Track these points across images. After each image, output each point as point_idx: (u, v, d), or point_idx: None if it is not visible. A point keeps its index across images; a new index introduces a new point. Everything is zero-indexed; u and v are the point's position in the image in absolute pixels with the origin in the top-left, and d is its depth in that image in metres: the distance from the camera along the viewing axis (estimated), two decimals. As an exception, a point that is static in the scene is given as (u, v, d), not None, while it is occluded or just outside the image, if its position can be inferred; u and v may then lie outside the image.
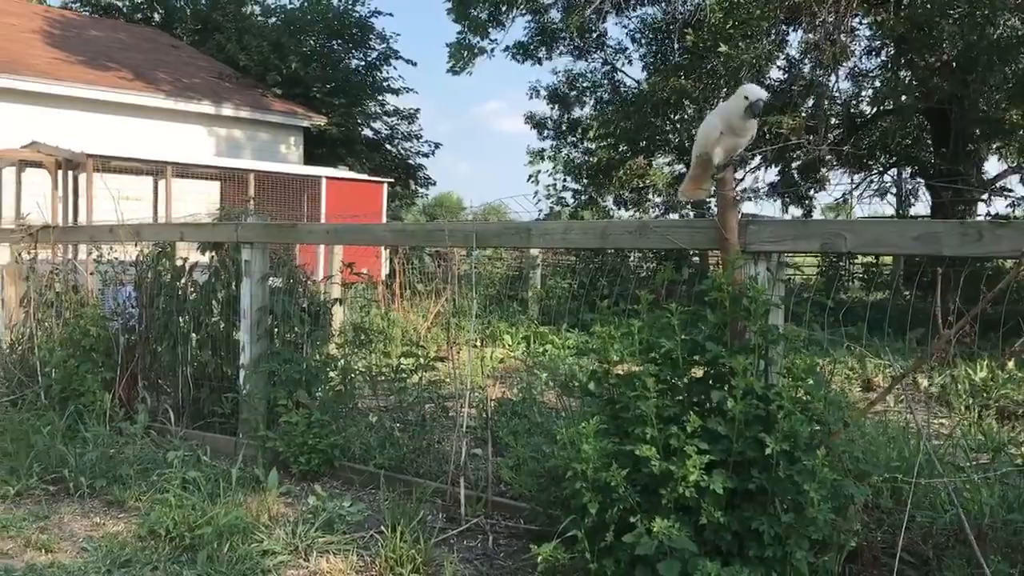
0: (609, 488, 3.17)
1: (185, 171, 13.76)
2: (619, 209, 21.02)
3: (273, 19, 22.12)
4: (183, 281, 6.04)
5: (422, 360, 4.99)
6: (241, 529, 3.93)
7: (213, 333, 5.86)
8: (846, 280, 14.33)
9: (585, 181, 20.53)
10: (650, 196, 20.26)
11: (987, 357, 6.55)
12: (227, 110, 17.64)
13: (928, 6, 13.28)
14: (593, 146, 20.08)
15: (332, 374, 5.43)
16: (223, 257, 5.76)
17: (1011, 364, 6.37)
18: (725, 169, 3.46)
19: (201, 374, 5.88)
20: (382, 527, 3.86)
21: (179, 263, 6.13)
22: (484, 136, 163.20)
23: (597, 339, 3.46)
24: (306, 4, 22.27)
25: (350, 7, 22.29)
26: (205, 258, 5.98)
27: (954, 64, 13.60)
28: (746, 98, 3.35)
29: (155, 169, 13.57)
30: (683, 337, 3.34)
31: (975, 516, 3.21)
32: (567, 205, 20.64)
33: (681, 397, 3.36)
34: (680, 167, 18.74)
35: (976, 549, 2.83)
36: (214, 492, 4.38)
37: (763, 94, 3.40)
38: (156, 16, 24.09)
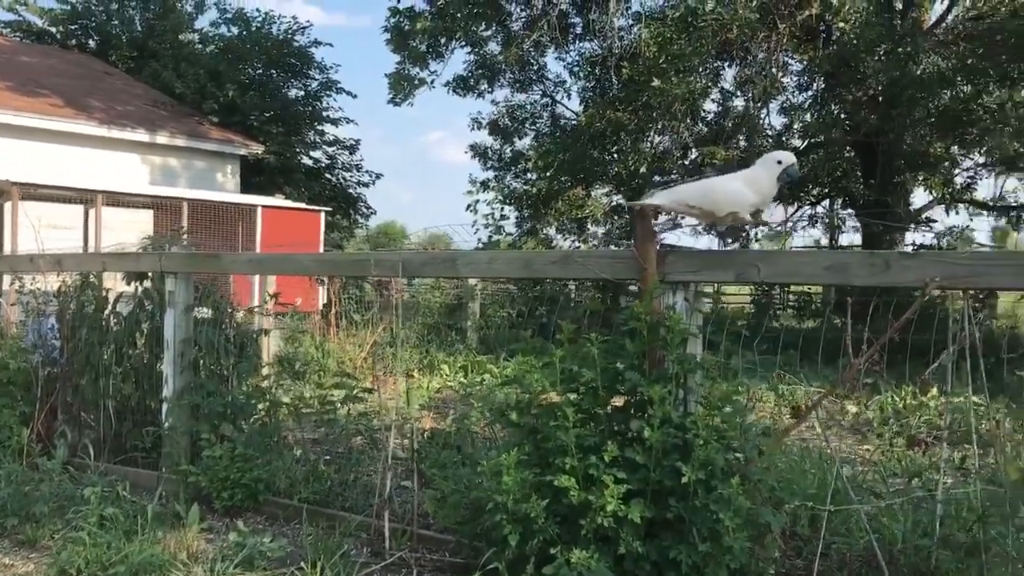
0: (529, 519, 3.16)
1: (117, 200, 13.51)
2: (562, 238, 21.20)
3: (211, 47, 21.94)
4: (107, 312, 5.91)
5: (349, 392, 4.93)
6: (157, 567, 3.82)
7: (136, 365, 5.73)
8: (778, 309, 14.57)
9: (526, 211, 20.66)
10: (589, 226, 20.48)
11: (894, 386, 6.71)
12: (162, 138, 17.39)
13: (855, 43, 13.72)
14: (533, 176, 20.25)
15: (259, 407, 5.34)
16: (147, 288, 5.66)
17: (932, 391, 6.53)
18: (642, 203, 3.50)
19: (124, 407, 5.73)
20: (303, 563, 3.79)
21: (103, 294, 6.00)
22: (429, 165, 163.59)
23: (518, 369, 3.46)
24: (245, 33, 22.13)
25: (290, 37, 22.22)
26: (130, 289, 5.86)
27: (880, 99, 14.05)
28: (779, 163, 3.31)
29: (85, 198, 13.30)
30: (604, 366, 3.36)
31: (889, 542, 3.26)
32: (510, 234, 20.74)
33: (602, 426, 3.37)
34: (618, 197, 18.94)
35: (886, 573, 2.88)
36: (132, 529, 4.25)
37: (794, 158, 3.38)
38: (91, 43, 23.71)
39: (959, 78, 13.98)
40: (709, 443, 3.02)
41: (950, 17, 15.67)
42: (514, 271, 4.08)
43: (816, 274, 3.17)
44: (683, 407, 3.33)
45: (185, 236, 12.33)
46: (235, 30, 22.45)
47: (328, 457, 5.29)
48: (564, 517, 3.20)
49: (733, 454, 3.16)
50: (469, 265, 4.12)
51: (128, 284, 5.86)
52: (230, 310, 5.55)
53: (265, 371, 6.03)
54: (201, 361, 5.44)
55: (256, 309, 5.63)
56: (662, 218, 3.69)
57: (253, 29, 22.16)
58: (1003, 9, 14.29)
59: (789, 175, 3.29)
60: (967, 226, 16.83)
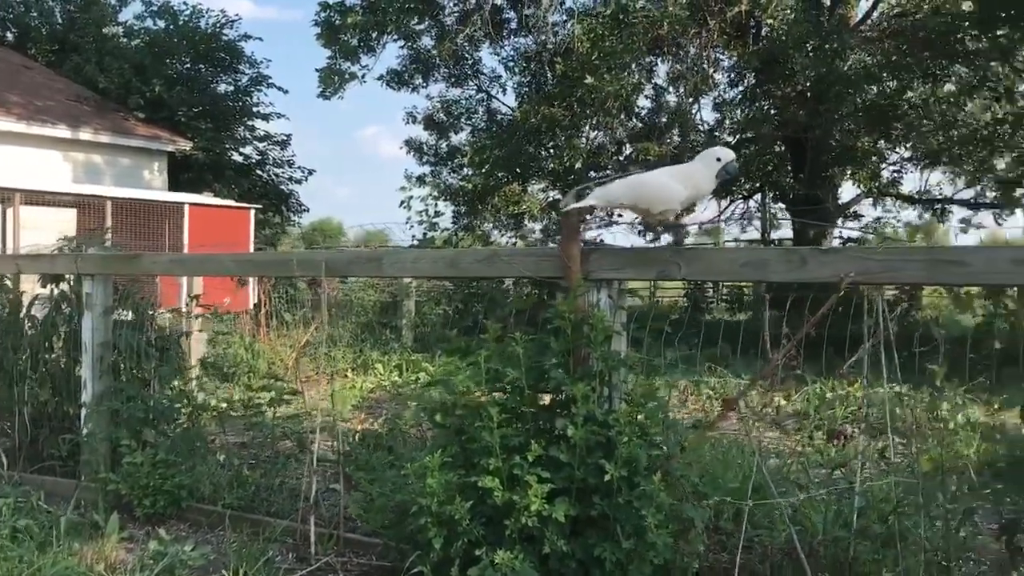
0: (454, 521, 3.13)
1: (37, 198, 13.09)
2: (499, 234, 21.18)
3: (136, 41, 21.35)
4: (21, 315, 5.71)
5: (275, 394, 4.83)
6: (72, 580, 3.70)
7: (54, 370, 5.54)
8: (711, 302, 14.77)
9: (463, 207, 20.60)
10: (526, 222, 20.52)
11: (823, 378, 6.84)
12: (85, 134, 16.88)
13: (783, 40, 13.94)
14: (469, 172, 20.20)
15: (183, 411, 5.22)
16: (64, 290, 5.48)
17: (856, 385, 6.65)
18: (579, 206, 3.48)
19: (41, 414, 5.55)
20: (224, 571, 3.70)
21: (18, 296, 5.79)
22: (366, 160, 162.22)
23: (443, 370, 3.43)
24: (172, 27, 21.61)
25: (218, 31, 21.77)
26: (47, 291, 5.67)
27: (808, 95, 14.30)
28: (718, 159, 3.29)
29: (2, 196, 12.85)
30: (530, 365, 3.34)
31: (811, 534, 3.31)
32: (446, 230, 20.66)
33: (528, 426, 3.35)
34: (555, 193, 19.00)
35: (806, 566, 2.91)
36: (47, 541, 4.11)
37: (734, 155, 3.36)
38: (8, 35, 22.93)
39: (884, 74, 14.32)
40: (632, 440, 3.02)
41: (875, 14, 16.03)
42: (440, 270, 4.04)
43: (735, 271, 3.19)
44: (608, 404, 3.33)
45: (109, 236, 12.03)
46: (161, 24, 21.91)
47: (255, 461, 5.19)
48: (489, 518, 3.17)
49: (656, 450, 3.16)
50: (395, 265, 4.06)
51: (44, 287, 5.67)
52: (151, 312, 5.40)
53: (193, 374, 5.90)
54: (121, 365, 5.29)
55: (178, 310, 5.48)
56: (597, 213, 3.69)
57: (180, 23, 21.65)
58: (925, 7, 14.67)
59: (728, 172, 3.30)
60: (879, 220, 17.24)
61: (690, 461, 3.20)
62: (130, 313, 5.40)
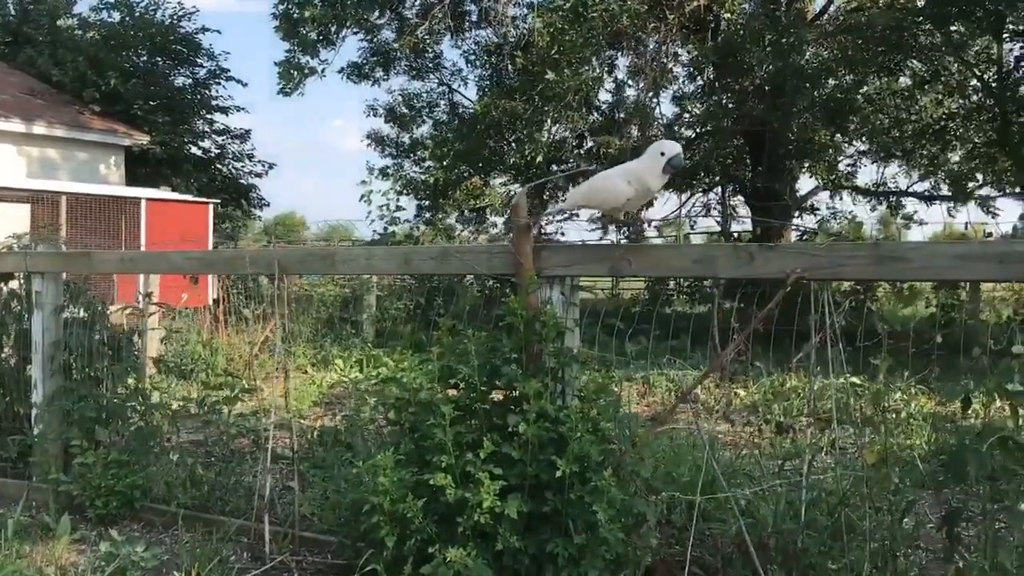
0: (407, 519, 3.13)
1: (-12, 194, 12.84)
2: (462, 228, 21.15)
3: (92, 33, 20.96)
4: (-31, 315, 5.61)
5: (228, 392, 4.79)
6: (21, 583, 3.65)
7: (3, 370, 5.46)
8: (672, 295, 14.86)
9: (425, 200, 20.54)
10: (488, 216, 20.54)
11: (780, 371, 6.93)
12: (39, 128, 16.58)
13: (740, 34, 14.06)
14: (431, 164, 20.14)
15: (137, 409, 5.15)
16: (13, 288, 5.40)
17: (798, 379, 6.72)
18: (519, 197, 3.49)
19: (-9, 414, 5.46)
20: (176, 572, 3.67)
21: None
22: (329, 153, 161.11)
23: (396, 366, 3.42)
24: (128, 19, 21.26)
25: (176, 23, 21.45)
26: (-4, 289, 5.57)
27: (765, 88, 14.44)
28: (662, 154, 3.26)
29: (-47, 192, 12.60)
30: (482, 362, 3.35)
31: (761, 526, 3.35)
32: (407, 222, 20.58)
33: (481, 423, 3.35)
34: (516, 187, 19.00)
35: (755, 558, 2.95)
36: (-5, 544, 4.05)
37: (679, 148, 3.30)
38: (-40, 28, 22.47)
39: (840, 68, 14.49)
40: (584, 436, 3.04)
41: (832, 8, 16.22)
42: (393, 267, 4.03)
43: (685, 267, 3.23)
44: (561, 400, 3.35)
45: (63, 233, 11.84)
46: (117, 16, 21.54)
47: (211, 460, 5.15)
48: (442, 515, 3.18)
49: (608, 445, 3.18)
50: (348, 262, 4.06)
51: (-8, 285, 5.58)
52: (102, 310, 5.32)
53: (148, 372, 5.84)
54: (73, 364, 5.22)
55: (131, 308, 5.41)
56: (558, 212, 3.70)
57: (136, 15, 21.31)
58: (880, 1, 14.87)
59: (673, 165, 3.27)
60: (836, 214, 17.44)
61: (642, 456, 3.22)
62: (82, 311, 5.33)
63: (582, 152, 17.92)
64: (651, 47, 15.42)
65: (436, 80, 21.04)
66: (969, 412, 2.95)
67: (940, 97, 15.63)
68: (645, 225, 3.62)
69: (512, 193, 19.14)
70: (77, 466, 4.66)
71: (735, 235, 18.14)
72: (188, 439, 5.53)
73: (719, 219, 19.54)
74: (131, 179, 18.24)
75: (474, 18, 19.47)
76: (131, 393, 5.18)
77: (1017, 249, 2.63)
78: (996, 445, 2.47)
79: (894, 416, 5.34)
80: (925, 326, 3.49)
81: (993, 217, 16.18)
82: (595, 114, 17.57)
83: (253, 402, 5.13)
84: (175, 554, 4.06)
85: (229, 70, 22.25)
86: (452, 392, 3.42)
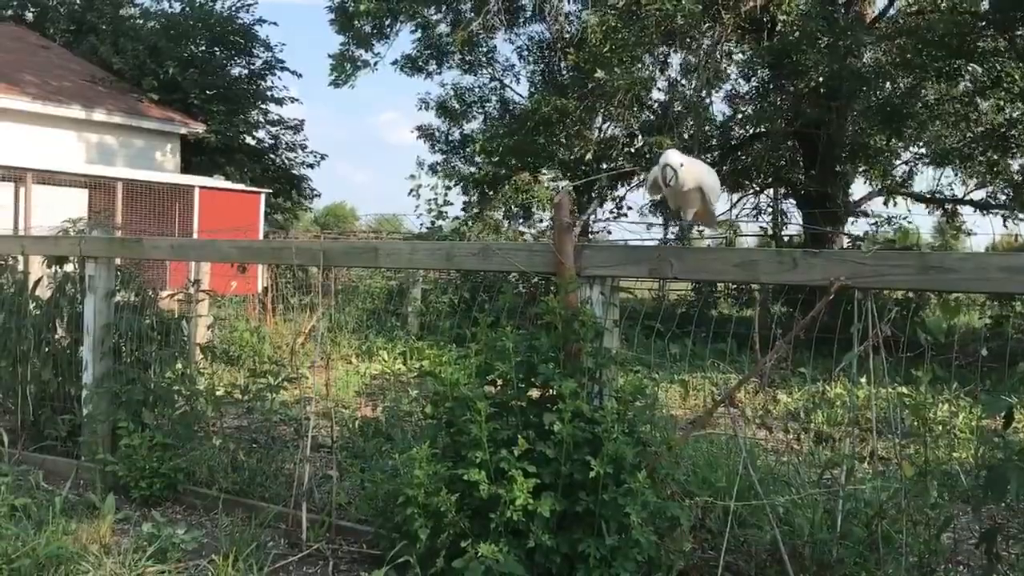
0: (440, 513, 3.16)
1: (48, 178, 13.16)
2: (509, 224, 21.18)
3: (152, 23, 21.38)
4: (26, 296, 5.76)
5: (272, 381, 4.86)
6: (65, 559, 3.74)
7: (56, 351, 5.60)
8: (719, 298, 14.72)
9: (474, 195, 20.61)
10: (535, 211, 20.52)
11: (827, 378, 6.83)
12: (99, 115, 16.96)
13: (796, 35, 13.86)
14: (481, 160, 20.21)
15: (183, 394, 5.26)
16: (68, 272, 5.53)
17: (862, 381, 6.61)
18: (562, 196, 3.49)
19: (43, 394, 5.60)
20: (215, 555, 3.74)
21: (24, 277, 5.85)
22: (383, 146, 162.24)
23: (432, 362, 3.45)
24: (188, 9, 21.64)
25: (234, 14, 21.79)
26: (50, 272, 5.72)
27: (821, 91, 14.21)
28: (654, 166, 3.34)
29: (14, 176, 12.93)
30: (520, 360, 3.36)
31: (797, 535, 3.32)
32: (456, 218, 20.68)
33: (517, 420, 3.37)
34: (564, 183, 18.97)
35: (788, 567, 2.92)
36: (44, 520, 4.16)
37: (665, 161, 3.30)
38: (28, 15, 23.02)
39: (898, 72, 14.21)
40: (619, 437, 3.04)
41: (891, 11, 15.91)
42: (435, 263, 4.06)
43: (726, 271, 3.20)
44: (598, 400, 3.35)
45: (118, 218, 12.10)
46: (177, 6, 21.99)
47: (255, 446, 5.23)
48: (475, 510, 3.20)
49: (643, 448, 3.18)
50: (391, 256, 4.09)
51: (49, 268, 5.72)
52: (152, 295, 5.44)
53: (195, 357, 5.95)
54: (123, 347, 5.34)
55: (180, 294, 5.52)
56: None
57: (196, 5, 21.69)
58: (942, 5, 14.55)
59: (657, 184, 3.36)
60: (877, 222, 17.10)
61: (677, 459, 3.20)
62: (132, 296, 5.45)
63: (632, 151, 17.83)
64: (705, 46, 15.26)
65: (488, 75, 21.11)
66: (1013, 427, 2.87)
67: (1001, 103, 15.23)
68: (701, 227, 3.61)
69: (558, 190, 19.10)
70: (123, 447, 4.77)
71: (787, 239, 17.92)
72: (232, 425, 5.64)
73: (770, 222, 19.32)
74: (186, 167, 18.58)
75: (528, 13, 19.48)
76: (178, 378, 5.29)
77: (1068, 263, 2.56)
78: (1039, 462, 2.42)
79: (939, 428, 5.24)
80: (969, 338, 3.42)
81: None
82: (646, 112, 17.46)
83: (296, 390, 5.21)
84: (214, 538, 4.14)
85: (284, 61, 22.52)
86: (489, 388, 3.44)
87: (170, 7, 22.05)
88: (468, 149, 21.36)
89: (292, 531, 4.19)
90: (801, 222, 17.73)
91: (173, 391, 5.14)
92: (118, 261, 5.32)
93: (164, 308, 5.86)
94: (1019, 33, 13.20)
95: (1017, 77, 14.03)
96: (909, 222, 17.80)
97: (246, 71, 22.25)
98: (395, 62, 19.59)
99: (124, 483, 4.75)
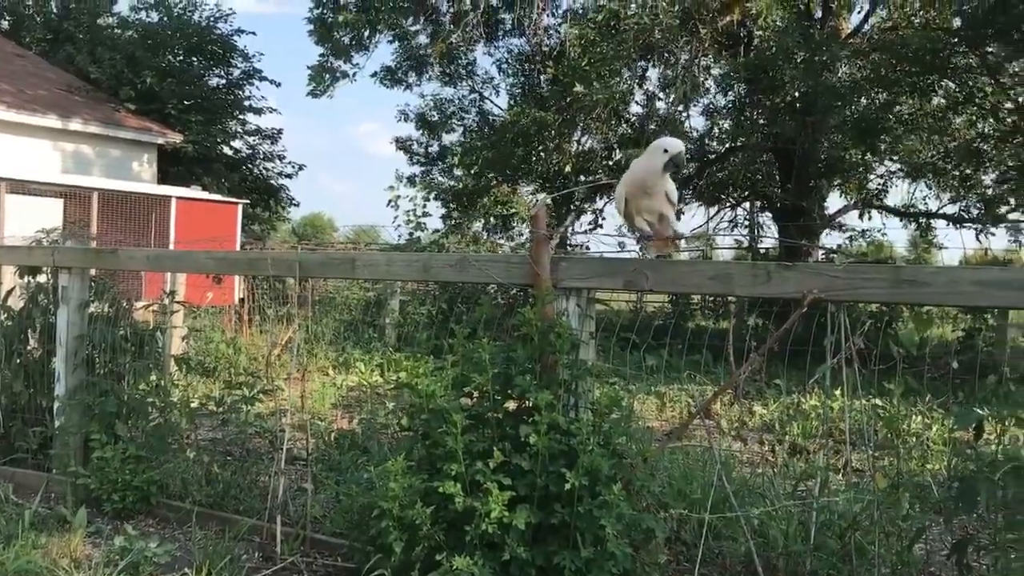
0: (415, 526, 3.14)
1: (23, 188, 13.03)
2: (488, 235, 21.19)
3: (130, 32, 21.24)
4: (-3, 307, 5.70)
5: (247, 392, 4.83)
6: (35, 574, 3.69)
7: (28, 362, 5.53)
8: (696, 309, 14.80)
9: (453, 207, 20.63)
10: (514, 223, 20.54)
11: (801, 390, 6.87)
12: (75, 124, 16.81)
13: (772, 50, 13.99)
14: (459, 172, 20.24)
15: (157, 405, 5.21)
16: (41, 283, 5.48)
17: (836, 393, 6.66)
18: (539, 207, 3.50)
19: (14, 405, 5.54)
20: (187, 569, 3.70)
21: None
22: (363, 156, 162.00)
23: (409, 373, 3.44)
24: (166, 19, 21.53)
25: (212, 24, 21.70)
26: (23, 283, 5.66)
27: (797, 105, 14.35)
28: (665, 151, 3.23)
29: (-13, 185, 12.79)
30: (497, 372, 3.36)
31: (771, 547, 3.33)
32: (437, 230, 20.66)
33: (493, 432, 3.36)
34: (542, 196, 19.01)
35: (762, 579, 2.93)
36: (13, 534, 4.11)
37: (682, 146, 3.28)
38: (4, 23, 22.82)
39: (873, 87, 14.37)
40: (594, 449, 3.04)
41: (866, 27, 16.10)
42: (412, 274, 4.06)
43: (702, 283, 3.22)
44: (574, 412, 3.35)
45: (93, 228, 11.99)
46: (155, 16, 21.83)
47: (229, 458, 5.19)
48: (451, 523, 3.19)
49: (618, 460, 3.18)
50: (367, 267, 4.08)
51: (21, 278, 5.67)
52: (127, 306, 5.39)
53: (170, 369, 5.90)
54: (96, 359, 5.29)
55: (154, 305, 5.47)
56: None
57: (174, 15, 21.58)
58: (916, 21, 14.74)
59: (675, 163, 3.25)
60: (852, 236, 17.27)
61: (653, 472, 3.21)
62: (106, 307, 5.40)
63: (610, 164, 17.91)
64: (682, 60, 15.37)
65: (468, 87, 21.17)
66: (984, 439, 2.90)
67: (973, 119, 15.45)
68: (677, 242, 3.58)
69: (535, 202, 19.15)
70: (96, 460, 4.72)
71: (763, 251, 18.04)
72: (207, 437, 5.59)
73: (746, 235, 19.45)
74: (163, 177, 18.45)
75: (508, 26, 19.56)
76: (152, 390, 5.24)
77: (1037, 277, 2.60)
78: (1009, 474, 2.44)
79: (914, 440, 5.28)
80: (941, 351, 3.46)
81: (1020, 245, 15.94)
82: (624, 126, 17.56)
83: (272, 402, 5.18)
84: (188, 551, 4.10)
85: (262, 71, 22.44)
86: (466, 400, 3.44)
87: (148, 17, 21.93)
88: (447, 161, 21.39)
89: (266, 544, 4.16)
90: (777, 235, 17.89)
91: (147, 403, 5.09)
92: (93, 272, 5.29)
93: (139, 319, 5.82)
94: (990, 50, 13.40)
95: (989, 93, 14.24)
96: (884, 235, 18.05)
97: (224, 81, 22.14)
98: (374, 74, 19.62)
99: (96, 496, 4.70)
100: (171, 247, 12.99)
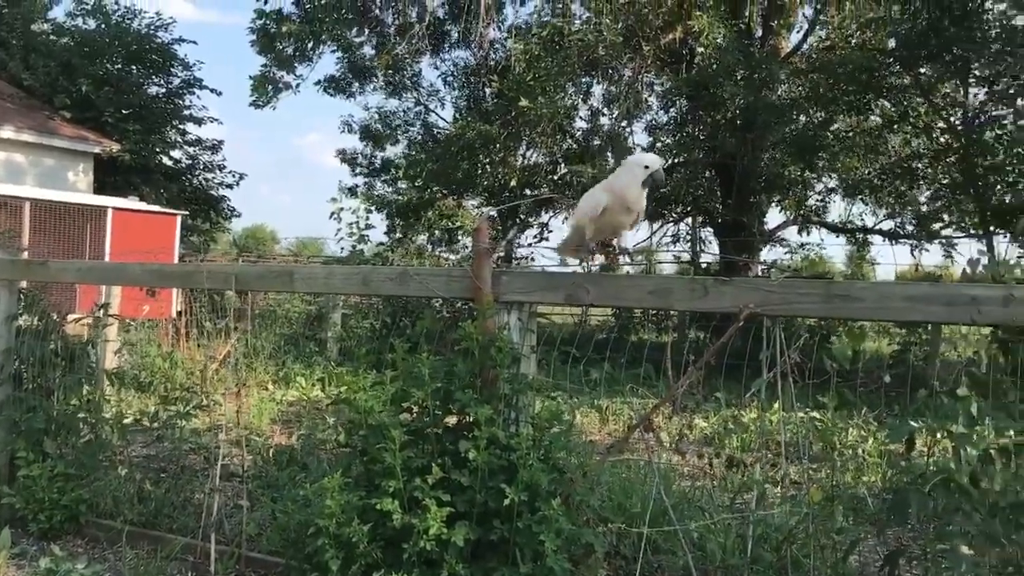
0: (352, 544, 3.09)
1: (-50, 197, 12.65)
2: (432, 248, 21.10)
3: (66, 39, 20.75)
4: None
5: (182, 408, 4.73)
6: (-45, 598, 3.56)
7: (-48, 378, 5.34)
8: (637, 323, 14.91)
9: (397, 220, 20.53)
10: (460, 237, 20.51)
11: (731, 403, 6.94)
12: (7, 132, 16.37)
13: (714, 67, 14.21)
14: (404, 185, 20.15)
15: (89, 421, 5.06)
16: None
17: (775, 406, 6.74)
18: (481, 221, 3.48)
19: (-63, 423, 5.33)
20: (117, 590, 3.60)
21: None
22: (307, 167, 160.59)
23: (347, 389, 3.39)
24: (103, 26, 21.08)
25: (152, 32, 21.30)
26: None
27: (737, 122, 14.59)
28: (646, 167, 3.23)
29: (-87, 194, 12.38)
30: (437, 387, 3.33)
31: (709, 560, 3.35)
32: (380, 244, 20.52)
33: (432, 447, 3.32)
34: (487, 209, 19.03)
35: (701, 593, 2.94)
36: (-69, 557, 3.96)
37: (661, 163, 3.28)
38: (-66, 29, 22.15)
39: (811, 105, 14.68)
40: (534, 464, 3.02)
41: (805, 46, 16.45)
42: (352, 287, 4.01)
43: (641, 298, 3.23)
44: (514, 427, 3.33)
45: (25, 239, 11.67)
46: (92, 23, 21.35)
47: (163, 475, 5.07)
48: (389, 540, 3.14)
49: (559, 474, 3.17)
50: (306, 280, 4.02)
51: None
52: (57, 319, 5.24)
53: (103, 384, 5.74)
54: (24, 374, 5.12)
55: (88, 318, 5.32)
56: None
57: (113, 23, 21.14)
58: (853, 41, 15.11)
59: (655, 179, 3.24)
60: (781, 258, 17.62)
61: (592, 486, 3.20)
62: (36, 320, 5.24)
63: (555, 179, 18.01)
64: (626, 76, 15.54)
65: (413, 99, 21.12)
66: (915, 452, 2.96)
67: (908, 137, 15.87)
68: (617, 257, 3.58)
69: (482, 215, 19.14)
70: (22, 478, 4.57)
71: (704, 266, 18.27)
72: (141, 453, 5.45)
73: (688, 249, 19.70)
74: (100, 188, 18.04)
75: (454, 39, 19.57)
76: (83, 405, 5.09)
77: (964, 292, 2.66)
78: (938, 487, 2.48)
79: (850, 452, 5.37)
80: (875, 365, 3.52)
81: (952, 261, 16.39)
82: (569, 140, 17.67)
83: (208, 418, 5.08)
84: (118, 572, 3.99)
85: (203, 80, 22.06)
86: (406, 416, 3.40)
87: (85, 24, 21.43)
88: (391, 173, 21.27)
89: (200, 564, 4.06)
90: (718, 250, 18.14)
91: (77, 419, 4.94)
92: (24, 284, 5.13)
93: (72, 333, 5.66)
94: (923, 70, 13.80)
95: (922, 112, 14.64)
96: (822, 248, 18.43)
97: (163, 90, 21.74)
98: (318, 82, 19.45)
99: (22, 516, 4.55)
100: (107, 259, 12.70)
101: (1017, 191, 13.57)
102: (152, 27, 21.47)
